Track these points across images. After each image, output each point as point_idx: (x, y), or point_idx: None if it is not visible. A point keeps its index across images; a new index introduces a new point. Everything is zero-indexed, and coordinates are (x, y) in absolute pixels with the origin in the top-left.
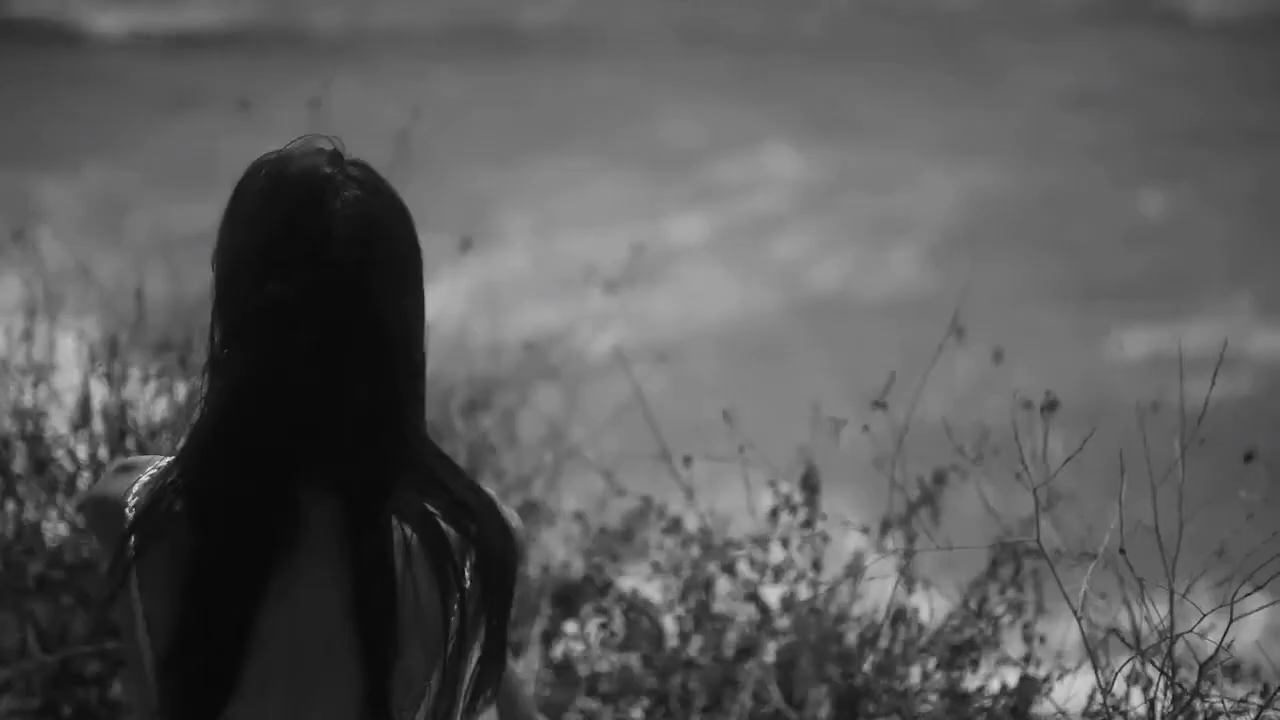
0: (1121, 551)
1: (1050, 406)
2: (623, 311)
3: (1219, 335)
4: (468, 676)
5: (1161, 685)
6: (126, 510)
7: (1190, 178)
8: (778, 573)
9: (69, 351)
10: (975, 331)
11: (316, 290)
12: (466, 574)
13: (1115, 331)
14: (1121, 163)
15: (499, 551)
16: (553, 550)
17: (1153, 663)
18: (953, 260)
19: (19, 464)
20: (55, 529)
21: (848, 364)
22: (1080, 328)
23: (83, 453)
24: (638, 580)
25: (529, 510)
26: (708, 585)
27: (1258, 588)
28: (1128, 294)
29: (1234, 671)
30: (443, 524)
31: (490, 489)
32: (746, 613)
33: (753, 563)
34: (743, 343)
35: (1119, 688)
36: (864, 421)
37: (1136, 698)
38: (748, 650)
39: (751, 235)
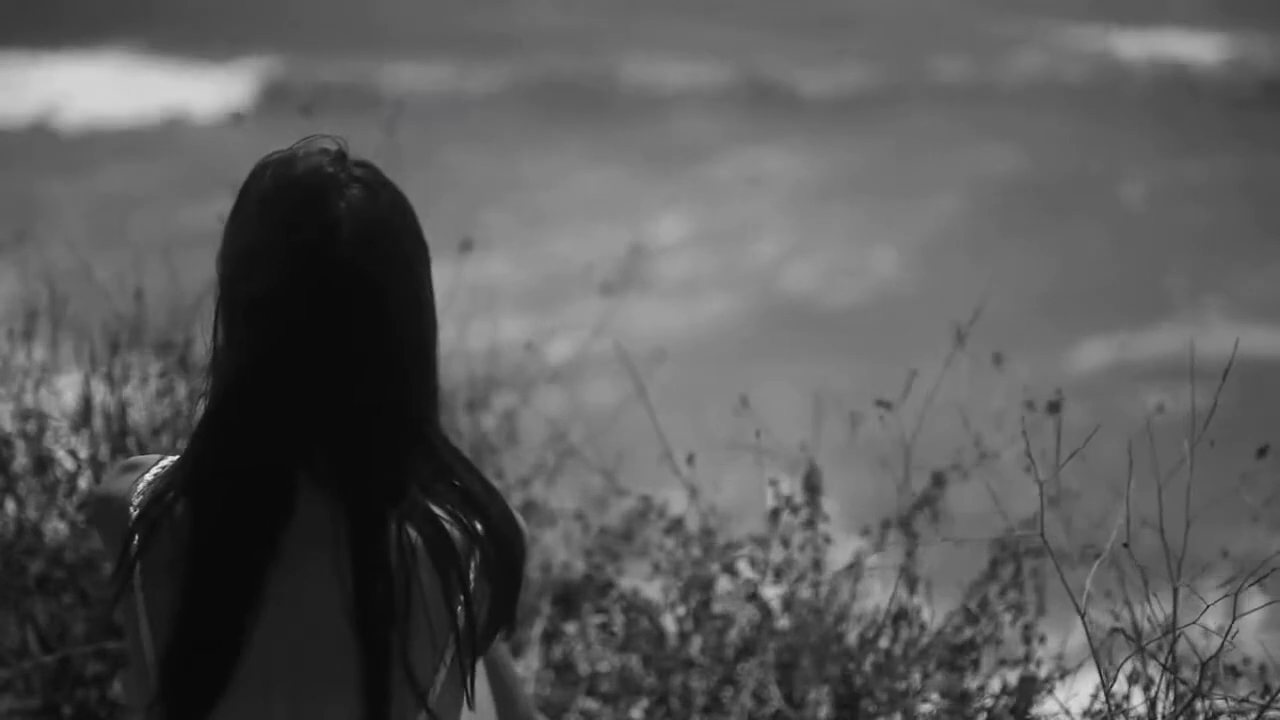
0: (1125, 545)
1: (1055, 407)
2: (618, 313)
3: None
4: (472, 675)
5: (1163, 685)
6: (130, 509)
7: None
8: (779, 573)
9: (70, 351)
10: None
11: (320, 289)
12: (471, 575)
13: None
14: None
15: (509, 544)
16: (553, 550)
17: (1155, 659)
18: (929, 264)
19: (20, 463)
20: (56, 528)
21: (831, 366)
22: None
23: (83, 452)
24: (638, 580)
25: (529, 510)
26: (708, 585)
27: (1257, 578)
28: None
29: (1235, 671)
30: (448, 526)
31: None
32: (746, 613)
33: (753, 563)
34: (727, 345)
35: (1120, 687)
36: (863, 422)
37: (1138, 697)
38: (748, 650)
39: (733, 238)
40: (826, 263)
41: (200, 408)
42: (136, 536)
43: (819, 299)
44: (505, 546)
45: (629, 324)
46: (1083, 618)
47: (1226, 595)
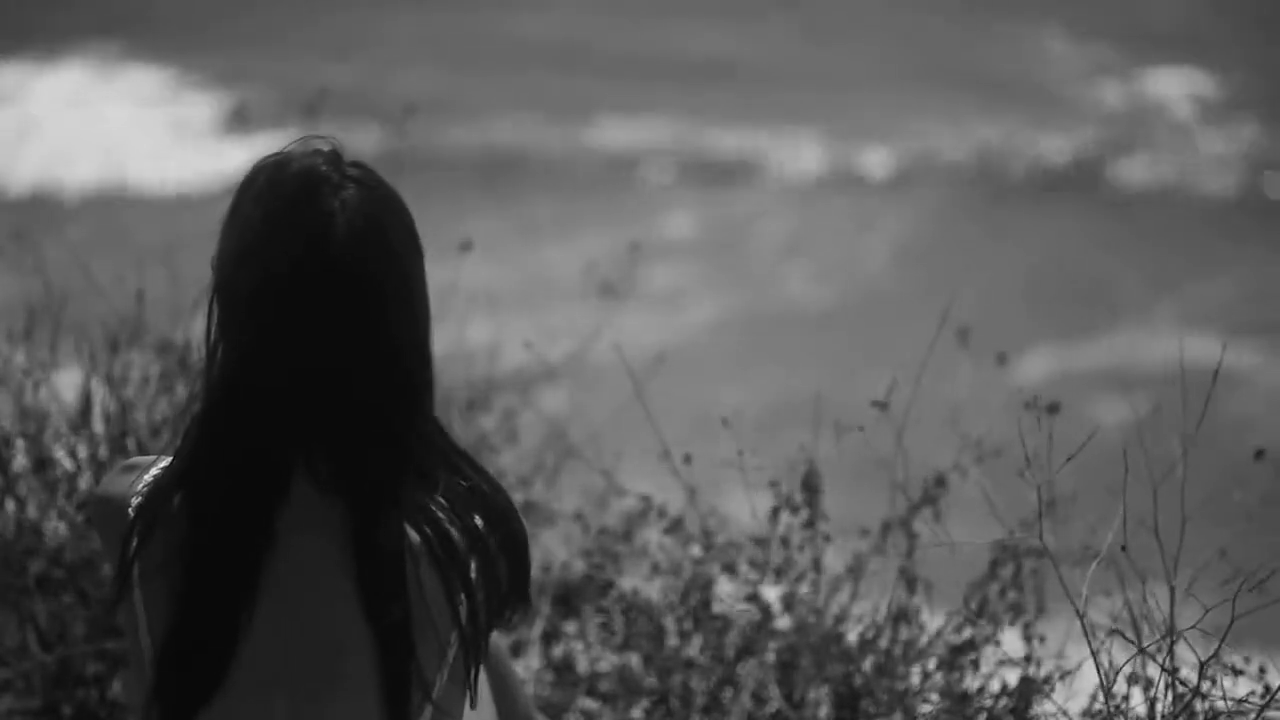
0: (1123, 549)
1: (1053, 409)
2: (615, 314)
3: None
4: (476, 671)
5: (1162, 685)
6: (129, 510)
7: None
8: (778, 573)
9: (70, 351)
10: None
11: (313, 286)
12: (473, 572)
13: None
14: None
15: (511, 532)
16: (553, 550)
17: (1154, 659)
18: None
19: (20, 463)
20: (56, 528)
21: (820, 370)
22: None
23: (83, 452)
24: (638, 580)
25: (529, 510)
26: (708, 585)
27: (1256, 581)
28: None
29: (1235, 670)
30: (448, 525)
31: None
32: (746, 613)
33: (753, 563)
34: (720, 348)
35: (1119, 687)
36: (862, 422)
37: (1137, 697)
38: (748, 650)
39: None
40: (814, 265)
41: (195, 404)
42: (135, 535)
43: (806, 301)
44: (509, 535)
45: (625, 326)
46: (1081, 619)
47: (1225, 601)
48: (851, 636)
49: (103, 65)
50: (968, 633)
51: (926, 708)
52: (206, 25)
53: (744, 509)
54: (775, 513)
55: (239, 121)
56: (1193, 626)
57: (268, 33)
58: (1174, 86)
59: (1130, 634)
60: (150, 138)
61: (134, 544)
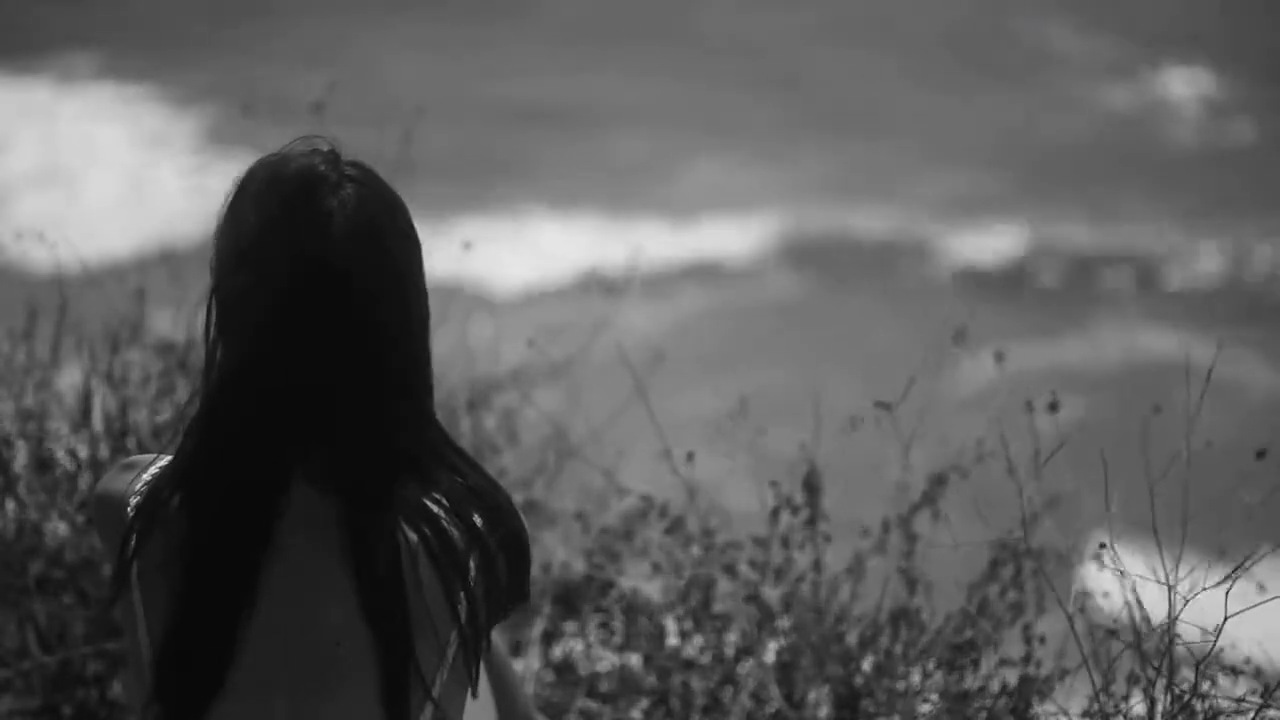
0: (1102, 546)
1: (1053, 408)
2: (614, 313)
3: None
4: (477, 668)
5: (1161, 685)
6: (128, 509)
7: None
8: (778, 573)
9: (70, 351)
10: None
11: (310, 286)
12: (472, 571)
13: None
14: None
15: (512, 529)
16: (553, 550)
17: (1150, 663)
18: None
19: (20, 463)
20: (55, 529)
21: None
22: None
23: (83, 452)
24: (638, 580)
25: (529, 510)
26: (708, 585)
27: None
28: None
29: (1234, 670)
30: (446, 525)
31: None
32: (747, 613)
33: (753, 563)
34: (714, 345)
35: (1119, 687)
36: (864, 421)
37: (1136, 697)
38: (748, 650)
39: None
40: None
41: (194, 404)
42: (134, 534)
43: (799, 297)
44: (508, 533)
45: (623, 323)
46: (1070, 621)
47: (1218, 585)
48: (851, 636)
49: (74, 77)
50: (968, 633)
51: (926, 708)
52: (183, 40)
53: (745, 502)
54: (775, 513)
55: (248, 112)
56: (1178, 614)
57: (251, 44)
58: (1182, 87)
59: (1128, 634)
60: (121, 151)
61: (132, 543)
